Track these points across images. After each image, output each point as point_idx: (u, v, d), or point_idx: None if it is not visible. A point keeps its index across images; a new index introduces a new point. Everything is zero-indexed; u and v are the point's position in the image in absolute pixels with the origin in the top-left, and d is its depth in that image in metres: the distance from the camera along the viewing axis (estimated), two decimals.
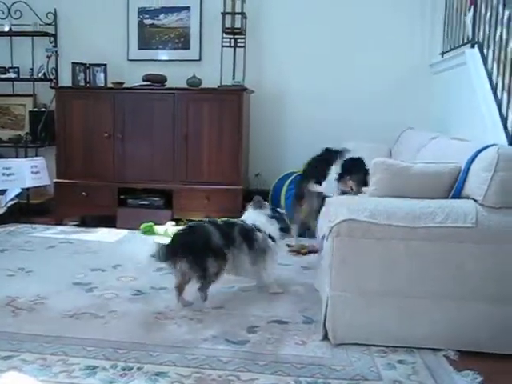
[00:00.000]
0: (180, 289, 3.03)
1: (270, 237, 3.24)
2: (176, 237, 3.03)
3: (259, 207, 3.34)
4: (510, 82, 3.32)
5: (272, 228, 3.28)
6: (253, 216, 3.29)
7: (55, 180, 5.02)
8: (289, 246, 4.26)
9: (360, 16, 5.08)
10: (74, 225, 5.01)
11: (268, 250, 3.22)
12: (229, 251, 3.03)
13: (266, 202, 3.47)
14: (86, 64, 5.18)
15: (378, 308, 2.55)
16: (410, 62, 5.09)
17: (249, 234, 3.15)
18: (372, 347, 2.54)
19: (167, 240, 3.03)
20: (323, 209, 3.12)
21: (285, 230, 3.41)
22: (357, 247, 2.50)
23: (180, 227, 3.14)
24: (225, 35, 5.05)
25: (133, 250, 3.86)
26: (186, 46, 5.35)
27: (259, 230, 3.21)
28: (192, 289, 3.01)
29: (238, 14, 4.94)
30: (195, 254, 2.90)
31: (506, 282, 2.46)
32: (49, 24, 5.44)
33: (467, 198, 2.56)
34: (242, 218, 3.32)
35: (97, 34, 5.42)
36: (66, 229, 4.84)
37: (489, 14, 3.80)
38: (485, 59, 3.81)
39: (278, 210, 3.47)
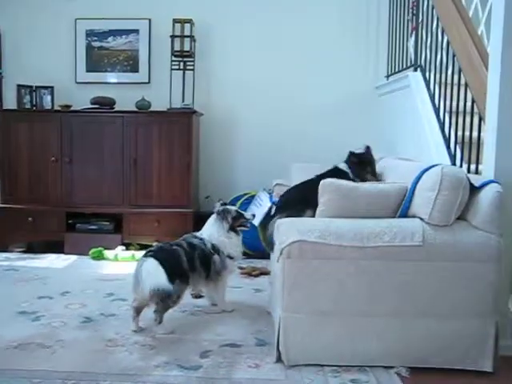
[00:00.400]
0: (138, 310, 2.97)
1: (229, 256, 3.24)
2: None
3: (222, 219, 3.27)
4: (452, 104, 3.45)
5: (232, 243, 3.26)
6: (213, 231, 3.25)
7: None
8: (240, 268, 4.25)
9: (307, 40, 5.18)
10: (20, 251, 4.86)
11: (223, 272, 3.22)
12: (191, 275, 3.03)
13: (231, 207, 3.37)
14: (32, 86, 5.08)
15: (331, 328, 2.56)
16: (357, 84, 5.21)
17: (206, 259, 3.14)
18: (325, 367, 2.55)
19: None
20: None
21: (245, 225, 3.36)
22: (308, 268, 2.51)
23: (150, 248, 3.12)
24: (174, 58, 5.06)
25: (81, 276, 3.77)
26: (134, 68, 5.32)
27: (218, 251, 3.20)
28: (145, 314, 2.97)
29: (187, 37, 4.96)
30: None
31: (452, 299, 2.52)
32: None
33: (414, 216, 2.63)
34: (203, 232, 3.28)
35: (43, 55, 5.33)
36: (11, 255, 4.69)
37: (429, 39, 3.95)
38: (427, 82, 3.95)
39: (243, 214, 3.36)
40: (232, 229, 3.28)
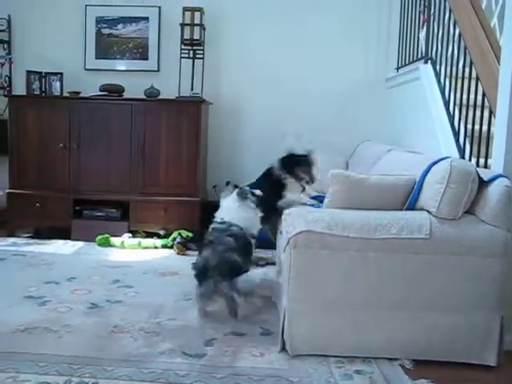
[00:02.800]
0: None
1: (252, 236, 3.21)
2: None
3: (245, 198, 3.23)
4: (462, 97, 3.43)
5: (256, 221, 3.22)
6: (242, 214, 3.18)
7: (8, 190, 4.88)
8: None
9: (318, 30, 5.16)
10: (27, 236, 4.88)
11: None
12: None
13: (247, 190, 3.33)
14: (41, 72, 5.07)
15: (335, 318, 2.57)
16: (367, 75, 5.19)
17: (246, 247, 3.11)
18: (329, 358, 2.55)
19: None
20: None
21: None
22: (314, 258, 2.52)
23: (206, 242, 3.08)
24: (183, 46, 5.04)
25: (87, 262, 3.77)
26: (144, 56, 5.31)
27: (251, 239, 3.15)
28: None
29: (197, 25, 4.94)
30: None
31: (457, 292, 2.52)
32: (2, 31, 5.31)
33: (421, 209, 2.62)
34: (229, 218, 3.18)
35: (53, 42, 5.33)
36: (19, 241, 4.71)
37: (441, 31, 3.92)
38: (438, 75, 3.92)
39: (255, 192, 3.32)
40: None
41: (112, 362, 2.44)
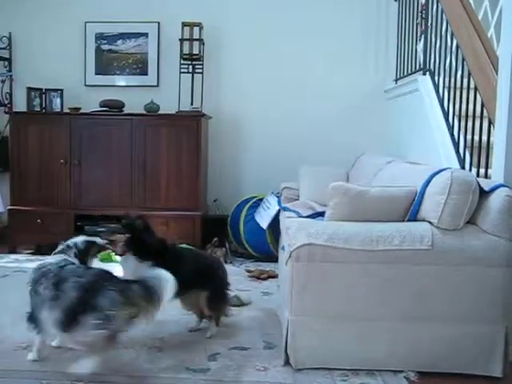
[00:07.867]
0: None
1: None
2: None
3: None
4: (461, 107, 3.44)
5: None
6: None
7: (9, 207, 4.89)
8: (248, 271, 4.25)
9: (317, 43, 5.19)
10: (29, 253, 4.88)
11: None
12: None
13: (76, 240, 2.81)
14: (41, 89, 5.11)
15: (339, 331, 2.56)
16: (366, 87, 5.21)
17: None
18: (334, 371, 2.54)
19: None
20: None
21: None
22: (316, 271, 2.51)
23: None
24: (183, 61, 5.08)
25: None
26: (143, 71, 5.34)
27: None
28: None
29: (196, 40, 4.98)
30: None
31: (461, 303, 2.51)
32: (3, 48, 5.35)
33: (423, 220, 2.62)
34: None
35: (53, 58, 5.36)
36: (20, 257, 4.70)
37: (439, 42, 3.94)
38: (436, 86, 3.94)
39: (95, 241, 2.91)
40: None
41: (115, 378, 2.44)
